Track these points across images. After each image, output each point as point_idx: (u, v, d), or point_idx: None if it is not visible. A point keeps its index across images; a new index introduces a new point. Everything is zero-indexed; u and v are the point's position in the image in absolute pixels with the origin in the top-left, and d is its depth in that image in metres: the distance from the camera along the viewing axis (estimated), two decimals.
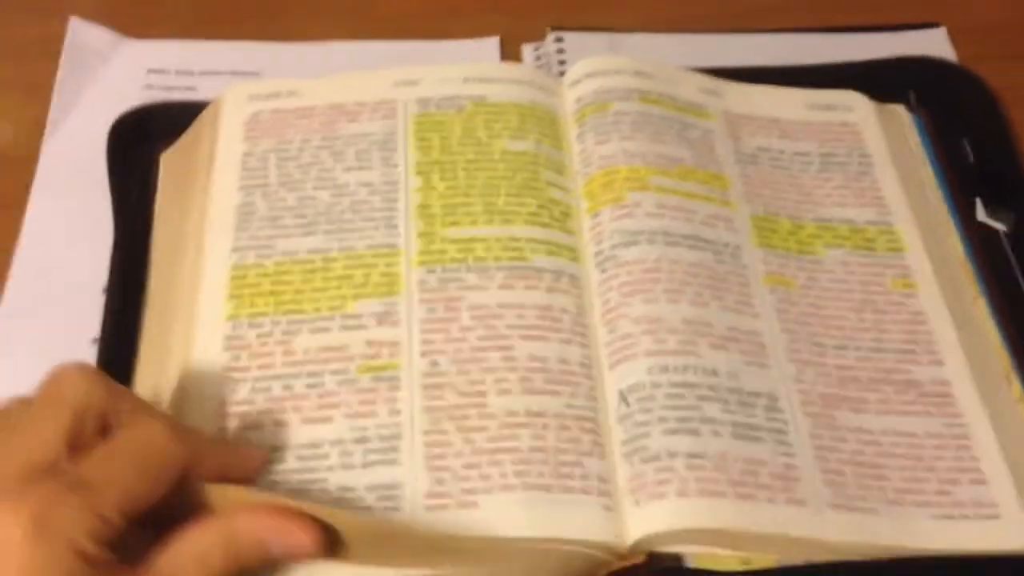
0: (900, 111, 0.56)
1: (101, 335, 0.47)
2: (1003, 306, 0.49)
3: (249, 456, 0.40)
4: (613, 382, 0.43)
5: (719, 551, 0.40)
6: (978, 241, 0.51)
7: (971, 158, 0.55)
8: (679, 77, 0.54)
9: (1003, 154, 0.55)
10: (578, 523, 0.39)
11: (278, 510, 0.36)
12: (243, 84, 0.53)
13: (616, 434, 0.42)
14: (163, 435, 0.36)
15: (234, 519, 0.36)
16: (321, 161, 0.50)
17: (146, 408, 0.38)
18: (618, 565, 0.39)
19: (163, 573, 0.34)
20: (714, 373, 0.43)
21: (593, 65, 0.53)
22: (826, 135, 0.53)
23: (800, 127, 0.54)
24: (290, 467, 0.40)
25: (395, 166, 0.49)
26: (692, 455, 0.40)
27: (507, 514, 0.39)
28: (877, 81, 0.57)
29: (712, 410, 0.41)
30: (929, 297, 0.47)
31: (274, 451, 0.41)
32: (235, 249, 0.47)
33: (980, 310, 0.48)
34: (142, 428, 0.36)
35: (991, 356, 0.47)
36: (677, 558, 0.40)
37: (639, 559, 0.39)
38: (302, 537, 0.35)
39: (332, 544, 0.36)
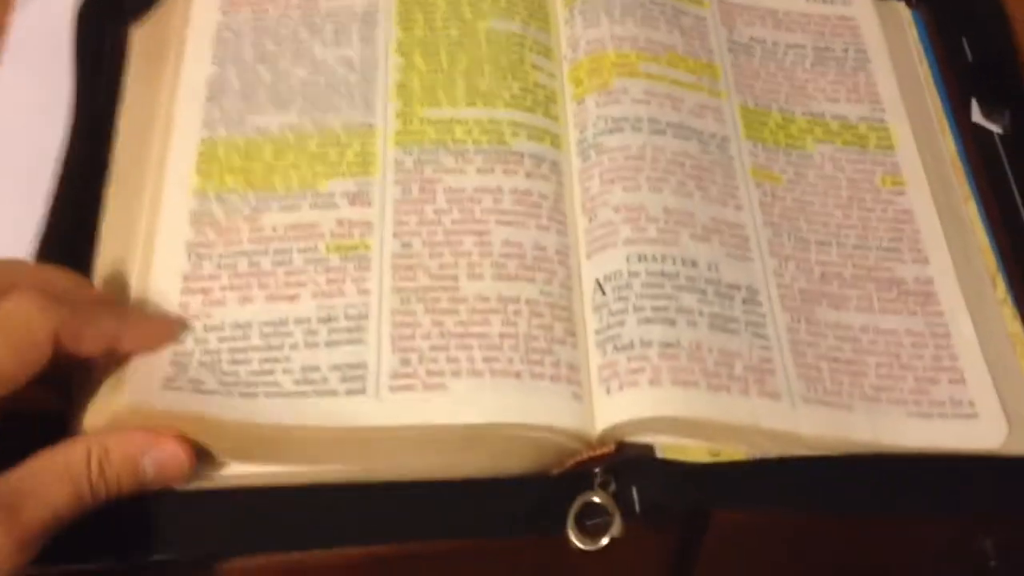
0: (900, 7, 0.54)
1: (50, 209, 0.45)
2: (993, 208, 0.48)
3: (150, 327, 0.39)
4: (590, 270, 0.42)
5: (689, 442, 0.39)
6: (972, 142, 0.50)
7: (970, 57, 0.53)
8: None
9: (1002, 55, 0.53)
10: (547, 409, 0.38)
11: (152, 431, 0.35)
12: None
13: (590, 322, 0.41)
14: (26, 305, 0.34)
15: (104, 436, 0.35)
16: (298, 36, 0.48)
17: (25, 282, 0.36)
18: (587, 454, 0.39)
19: (22, 484, 0.33)
20: (693, 264, 0.42)
21: None
22: (823, 28, 0.52)
23: (796, 18, 0.52)
24: (254, 344, 0.39)
25: (375, 43, 0.48)
26: (666, 344, 0.39)
27: (474, 398, 0.38)
28: None
29: (689, 300, 0.41)
30: (918, 196, 0.46)
31: (237, 328, 0.40)
32: (205, 123, 0.45)
33: (970, 211, 0.47)
34: (6, 302, 0.34)
35: (977, 257, 0.46)
36: (647, 448, 0.39)
37: (608, 448, 0.39)
38: (176, 452, 0.35)
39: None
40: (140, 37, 0.51)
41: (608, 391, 0.39)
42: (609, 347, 0.40)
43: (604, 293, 0.41)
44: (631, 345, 0.39)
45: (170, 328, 0.39)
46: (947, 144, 0.49)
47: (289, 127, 0.45)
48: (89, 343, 0.36)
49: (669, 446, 0.39)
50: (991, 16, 0.54)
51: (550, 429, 0.38)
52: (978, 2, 0.54)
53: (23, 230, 0.45)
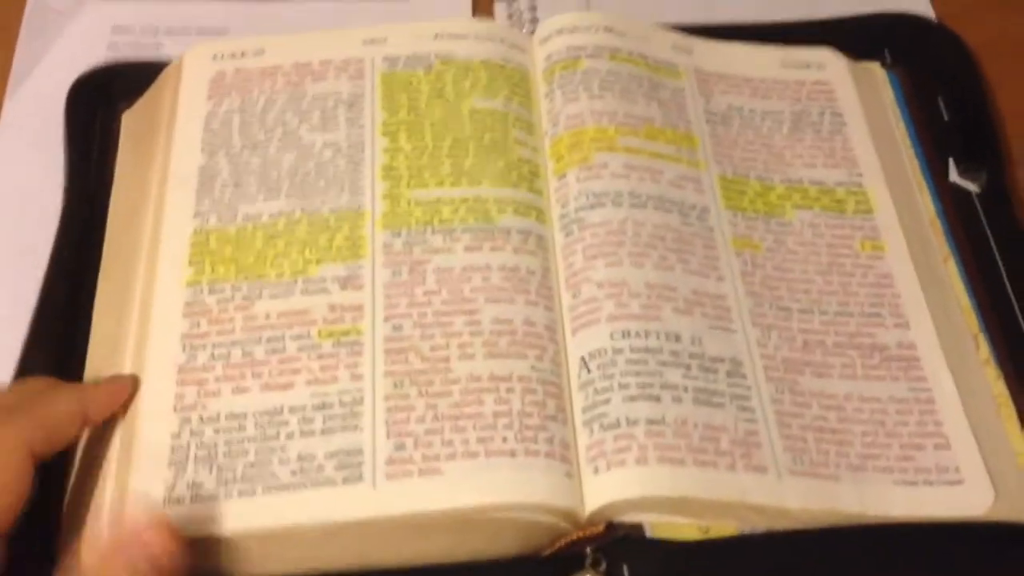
0: (875, 68, 0.55)
1: (40, 298, 0.46)
2: (973, 267, 0.49)
3: (108, 390, 0.41)
4: (575, 347, 0.42)
5: (679, 519, 0.40)
6: (950, 202, 0.51)
7: (946, 117, 0.54)
8: (651, 34, 0.53)
9: (978, 113, 0.54)
10: (541, 488, 0.39)
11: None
12: (206, 43, 0.52)
13: (577, 401, 0.41)
14: None
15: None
16: (286, 122, 0.49)
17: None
18: (577, 534, 0.39)
19: None
20: (677, 338, 0.42)
21: (564, 21, 0.52)
22: (798, 93, 0.53)
23: (772, 85, 0.53)
24: (249, 435, 0.40)
25: (361, 126, 0.49)
26: (652, 421, 0.40)
27: (470, 481, 0.38)
28: (852, 38, 0.56)
29: (674, 376, 0.41)
30: (897, 259, 0.47)
31: (233, 419, 0.40)
32: (196, 213, 0.46)
33: (950, 271, 0.48)
34: None
35: (959, 318, 0.46)
36: (636, 527, 0.39)
37: (598, 528, 0.39)
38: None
39: None
40: (130, 122, 0.52)
41: (596, 471, 0.39)
42: (596, 426, 0.40)
43: (589, 371, 0.42)
44: (617, 423, 0.40)
45: (124, 384, 0.41)
46: (925, 204, 0.50)
47: (279, 214, 0.46)
48: (61, 440, 0.38)
49: (659, 524, 0.39)
50: (966, 75, 0.55)
51: (544, 508, 0.38)
52: (953, 61, 0.55)
53: (15, 317, 0.46)
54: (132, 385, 0.41)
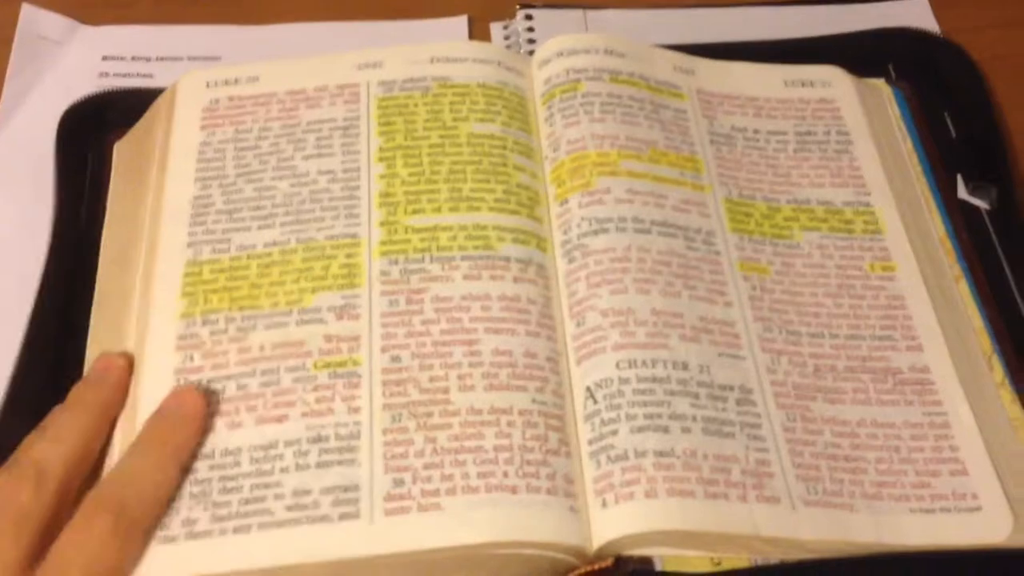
0: (880, 85, 0.54)
1: (27, 337, 0.45)
2: (985, 286, 0.48)
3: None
4: (580, 377, 0.41)
5: (689, 552, 0.38)
6: (960, 219, 0.50)
7: (953, 133, 0.53)
8: (651, 55, 0.52)
9: (985, 128, 0.53)
10: (544, 525, 0.37)
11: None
12: (199, 70, 0.51)
13: (583, 432, 0.40)
14: (108, 546, 0.36)
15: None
16: (280, 150, 0.48)
17: (86, 503, 0.37)
18: (584, 568, 0.38)
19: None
20: (684, 367, 0.41)
21: (562, 44, 0.51)
22: (803, 112, 0.52)
23: (776, 105, 0.52)
24: (244, 470, 0.39)
25: (357, 153, 0.48)
26: (661, 453, 0.39)
27: (470, 517, 0.37)
28: (856, 54, 0.55)
29: (682, 406, 0.40)
30: (908, 280, 0.46)
31: (227, 455, 0.39)
32: (190, 244, 0.45)
33: (961, 291, 0.47)
34: (87, 538, 0.36)
35: (972, 339, 0.45)
36: (646, 560, 0.38)
37: (607, 563, 0.38)
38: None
39: None
40: (122, 152, 0.51)
41: (604, 504, 0.38)
42: (603, 458, 0.39)
43: (596, 401, 0.40)
44: (625, 456, 0.39)
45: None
46: (935, 223, 0.49)
47: (273, 243, 0.45)
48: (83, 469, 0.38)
49: (670, 557, 0.38)
50: (973, 90, 0.54)
51: (548, 546, 0.37)
52: (959, 76, 0.55)
53: (4, 356, 0.45)
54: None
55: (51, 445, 0.38)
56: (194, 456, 0.39)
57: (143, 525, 0.37)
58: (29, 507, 0.36)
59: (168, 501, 0.38)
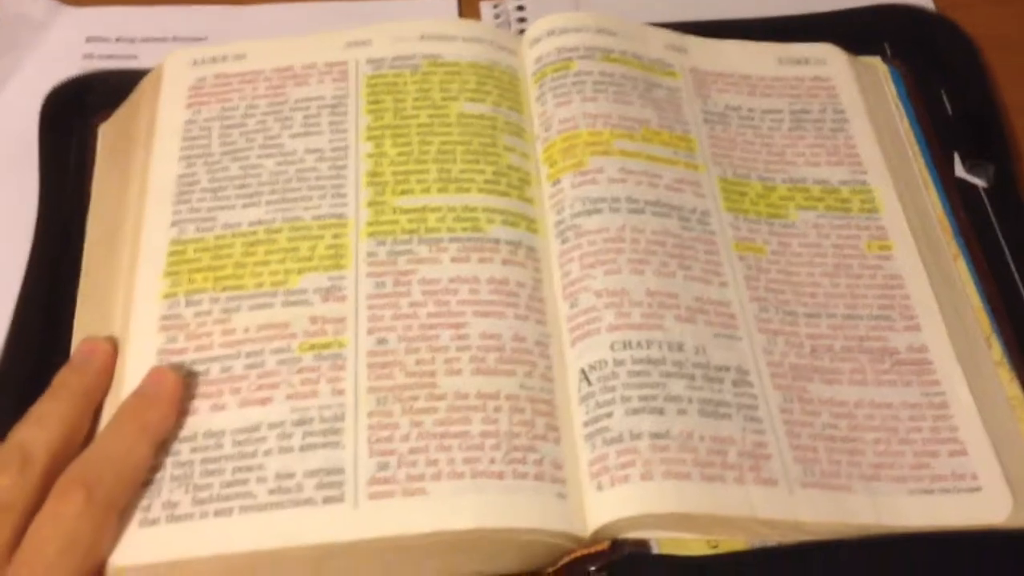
0: (876, 63, 0.53)
1: (13, 323, 0.45)
2: (983, 265, 0.47)
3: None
4: (574, 359, 0.41)
5: (686, 535, 0.38)
6: (957, 198, 0.49)
7: (949, 110, 0.52)
8: (644, 33, 0.51)
9: (982, 105, 0.52)
10: (531, 511, 0.37)
11: None
12: (186, 49, 0.50)
13: (577, 415, 0.39)
14: (82, 522, 0.35)
15: None
16: (267, 128, 0.47)
17: (61, 481, 0.36)
18: (580, 552, 0.37)
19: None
20: (680, 348, 0.40)
21: (554, 22, 0.50)
22: (798, 90, 0.51)
23: (771, 83, 0.51)
24: (227, 453, 0.38)
25: (345, 131, 0.47)
26: (656, 435, 0.38)
27: (456, 503, 0.37)
28: (851, 31, 0.55)
29: (677, 387, 0.39)
30: (906, 259, 0.45)
31: (210, 437, 0.39)
32: (174, 223, 0.44)
33: (960, 270, 0.46)
34: (61, 516, 0.35)
35: (970, 318, 0.45)
36: (642, 543, 0.38)
37: (603, 545, 0.37)
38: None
39: None
40: (106, 134, 0.50)
41: (599, 487, 0.37)
42: (598, 440, 0.38)
43: (590, 383, 0.40)
44: (620, 438, 0.38)
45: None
46: (932, 202, 0.48)
47: (259, 222, 0.44)
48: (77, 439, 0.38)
49: (666, 540, 0.38)
50: (969, 67, 0.54)
51: (535, 532, 0.37)
52: (955, 53, 0.54)
53: None
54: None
55: (35, 431, 0.37)
56: (172, 436, 0.39)
57: (118, 503, 0.36)
58: (11, 493, 0.35)
59: (143, 479, 0.37)
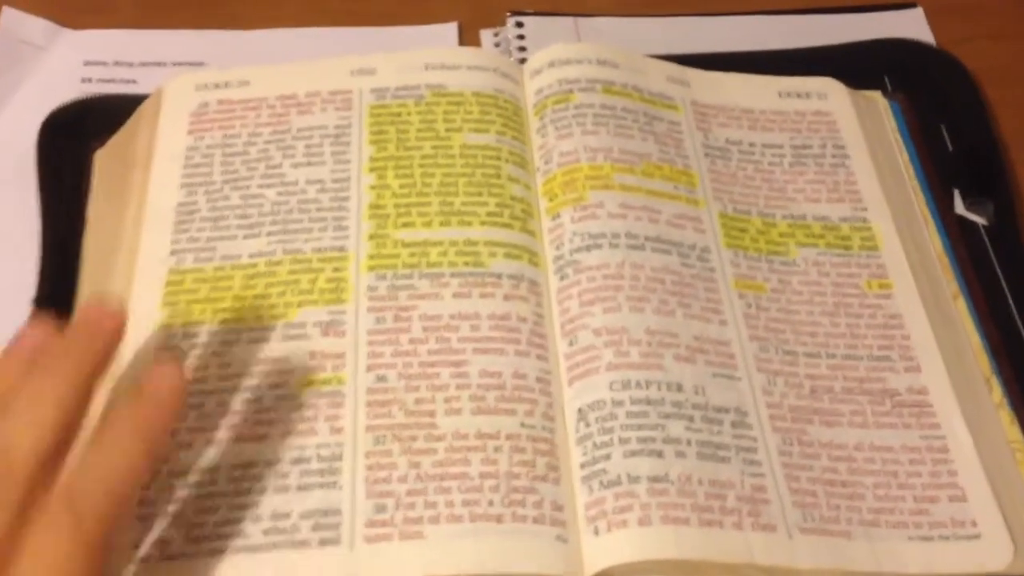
0: (876, 97, 0.53)
1: None
2: (983, 305, 0.47)
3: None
4: (572, 399, 0.40)
5: None
6: (957, 235, 0.49)
7: (949, 146, 0.52)
8: (645, 65, 0.51)
9: (982, 141, 0.52)
10: (530, 556, 0.37)
11: None
12: (189, 73, 0.50)
13: (574, 456, 0.39)
14: (73, 558, 0.31)
15: None
16: (269, 156, 0.47)
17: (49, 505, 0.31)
18: None
19: None
20: (679, 388, 0.40)
21: (555, 53, 0.50)
22: (799, 125, 0.51)
23: (772, 117, 0.51)
24: (221, 489, 0.38)
25: (348, 162, 0.47)
26: (655, 479, 0.38)
27: (454, 548, 0.36)
28: (852, 65, 0.54)
29: (676, 429, 0.39)
30: (906, 298, 0.45)
31: (204, 473, 0.38)
32: (173, 252, 0.44)
33: (960, 309, 0.46)
34: (50, 550, 0.31)
35: (970, 359, 0.44)
36: None
37: None
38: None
39: None
40: (103, 160, 0.49)
41: (596, 532, 0.37)
42: (595, 483, 0.38)
43: (588, 424, 0.39)
44: (618, 481, 0.38)
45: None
46: (932, 239, 0.48)
47: (259, 254, 0.44)
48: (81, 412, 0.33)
49: None
50: (969, 102, 0.54)
51: None
52: (955, 88, 0.54)
53: None
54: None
55: (21, 428, 0.32)
56: (165, 470, 0.38)
57: (108, 531, 0.32)
58: None
59: (137, 496, 0.35)
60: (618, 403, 0.40)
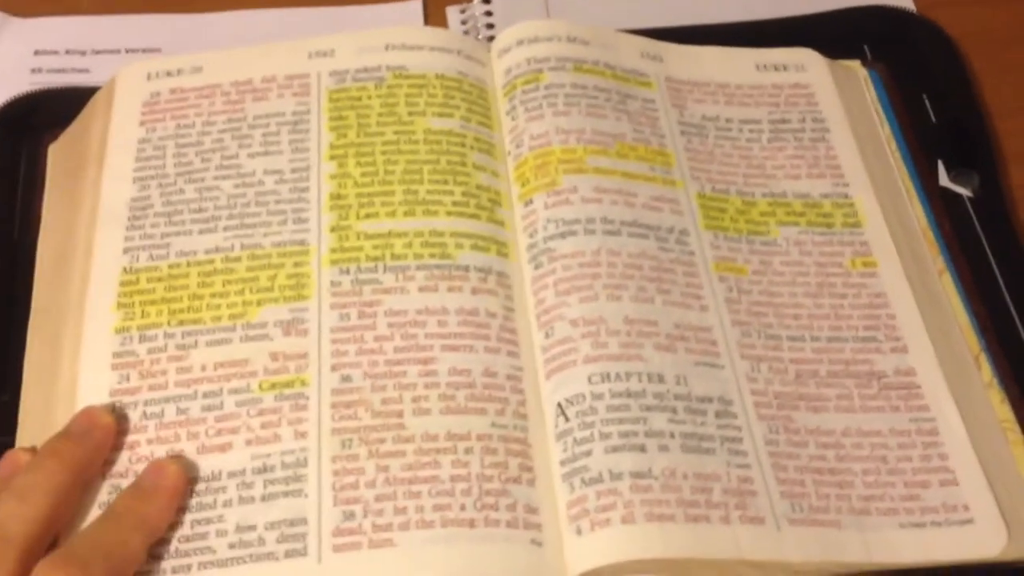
0: (855, 67, 0.52)
1: None
2: (970, 280, 0.46)
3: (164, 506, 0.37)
4: (550, 393, 0.39)
5: None
6: (941, 209, 0.48)
7: (932, 116, 0.51)
8: (617, 41, 0.49)
9: (966, 110, 0.51)
10: (503, 563, 0.35)
11: None
12: (140, 62, 0.48)
13: (554, 453, 0.38)
14: None
15: None
16: (224, 146, 0.45)
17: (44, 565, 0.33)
18: None
19: None
20: (660, 379, 0.39)
21: (523, 31, 0.49)
22: (777, 99, 0.49)
23: (749, 91, 0.49)
24: (183, 504, 0.36)
25: (307, 150, 0.45)
26: (638, 475, 0.36)
27: (425, 555, 0.35)
28: (830, 34, 0.53)
29: (659, 422, 0.38)
30: (890, 276, 0.44)
31: None
32: (126, 250, 0.42)
33: (945, 286, 0.45)
34: None
35: (958, 337, 0.43)
36: None
37: None
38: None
39: None
40: (57, 154, 0.48)
41: (579, 531, 0.36)
42: (576, 481, 0.37)
43: (567, 419, 0.38)
44: (600, 478, 0.36)
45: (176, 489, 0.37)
46: (916, 213, 0.47)
47: (216, 249, 0.42)
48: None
49: None
50: (951, 70, 0.52)
51: None
52: (937, 56, 0.53)
53: None
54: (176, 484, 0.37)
55: (15, 507, 0.34)
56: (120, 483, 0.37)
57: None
58: None
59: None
60: (598, 396, 0.38)
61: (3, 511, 0.34)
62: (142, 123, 0.46)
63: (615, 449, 0.37)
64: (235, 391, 0.38)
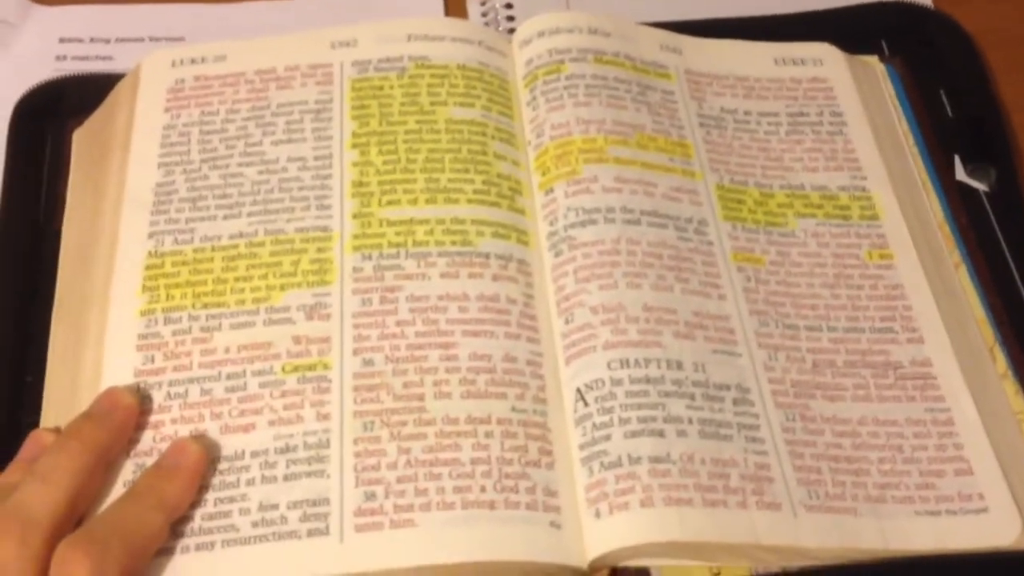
0: (873, 62, 0.52)
1: None
2: (986, 273, 0.46)
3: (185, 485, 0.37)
4: (570, 378, 0.39)
5: (687, 562, 0.37)
6: (958, 203, 0.48)
7: (949, 111, 0.51)
8: (637, 34, 0.49)
9: (983, 105, 0.51)
10: (523, 544, 0.36)
11: None
12: (165, 49, 0.49)
13: (573, 437, 0.38)
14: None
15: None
16: (248, 134, 0.46)
17: (64, 548, 0.33)
18: None
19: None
20: (679, 366, 0.39)
21: (544, 22, 0.49)
22: (795, 92, 0.49)
23: (767, 85, 0.50)
24: (208, 482, 0.37)
25: (329, 138, 0.45)
26: (656, 459, 0.37)
27: (446, 536, 0.35)
28: (847, 29, 0.53)
29: (677, 407, 0.38)
30: (907, 268, 0.44)
31: None
32: (151, 235, 0.42)
33: (962, 278, 0.45)
34: None
35: (974, 329, 0.43)
36: (643, 571, 0.37)
37: (602, 574, 0.36)
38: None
39: None
40: (82, 140, 0.48)
41: (597, 514, 0.36)
42: (595, 464, 0.37)
43: (587, 404, 0.38)
44: (619, 462, 0.37)
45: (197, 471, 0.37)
46: (933, 207, 0.47)
47: (240, 235, 0.42)
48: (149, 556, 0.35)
49: (667, 567, 0.37)
50: (968, 66, 0.52)
51: (526, 565, 0.35)
52: (954, 52, 0.53)
53: None
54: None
55: (39, 489, 0.34)
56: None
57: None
58: (12, 568, 0.32)
59: (153, 554, 0.35)
60: (617, 382, 0.38)
61: (27, 493, 0.34)
62: (167, 110, 0.46)
63: (634, 434, 0.37)
64: (258, 373, 0.39)
